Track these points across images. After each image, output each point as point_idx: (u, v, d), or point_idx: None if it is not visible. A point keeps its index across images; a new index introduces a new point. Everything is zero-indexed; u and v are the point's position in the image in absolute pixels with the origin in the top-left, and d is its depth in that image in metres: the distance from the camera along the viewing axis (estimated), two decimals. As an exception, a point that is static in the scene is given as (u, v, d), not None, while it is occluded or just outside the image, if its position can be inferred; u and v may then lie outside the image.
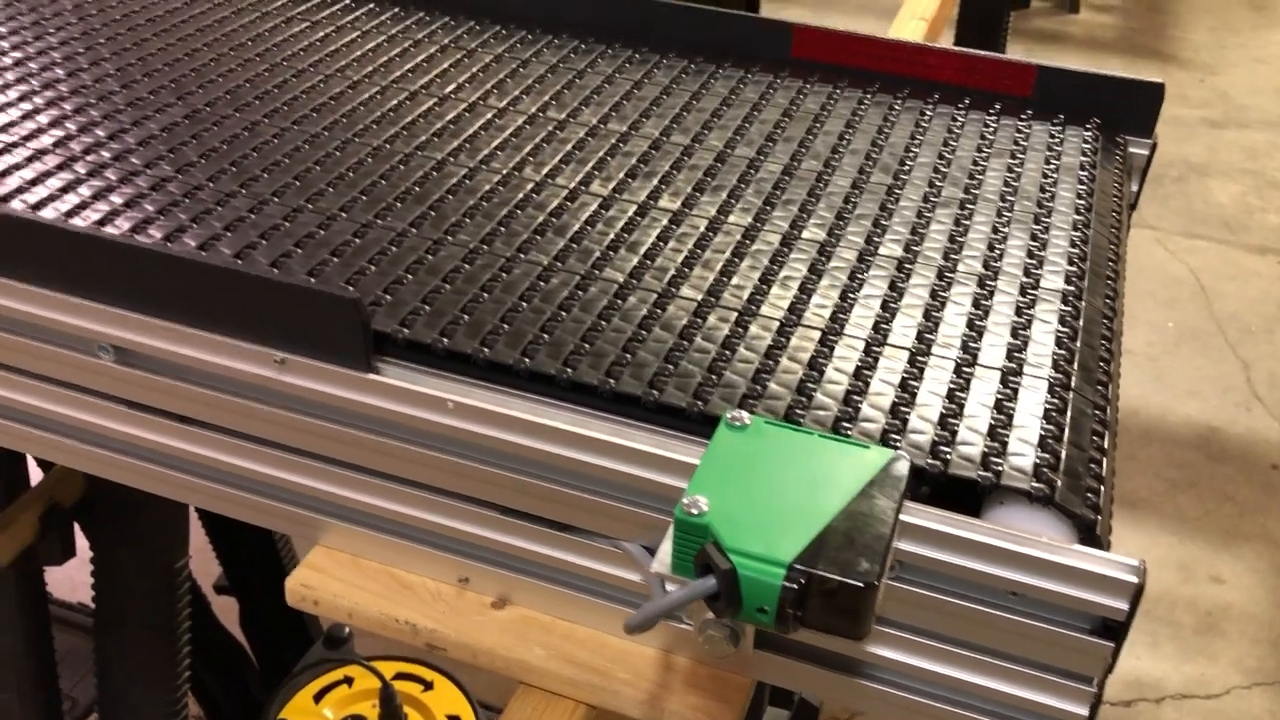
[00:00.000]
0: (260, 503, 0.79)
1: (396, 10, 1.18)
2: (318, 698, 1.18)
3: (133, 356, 0.76)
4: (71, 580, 1.47)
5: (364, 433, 0.73)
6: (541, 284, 0.79)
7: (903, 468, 0.61)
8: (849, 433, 0.68)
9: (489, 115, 1.01)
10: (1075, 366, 0.75)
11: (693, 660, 0.73)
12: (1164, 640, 2.12)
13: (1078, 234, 0.89)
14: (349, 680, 1.18)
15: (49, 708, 1.31)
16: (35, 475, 1.20)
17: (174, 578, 1.26)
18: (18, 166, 0.88)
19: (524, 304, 0.77)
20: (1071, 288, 0.82)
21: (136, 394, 0.78)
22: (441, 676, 1.20)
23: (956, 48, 1.07)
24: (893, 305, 0.79)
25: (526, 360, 0.72)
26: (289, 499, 0.78)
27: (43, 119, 0.95)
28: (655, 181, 0.92)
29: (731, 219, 0.88)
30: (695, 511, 0.57)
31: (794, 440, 0.62)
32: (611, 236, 0.85)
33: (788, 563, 0.55)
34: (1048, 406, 0.71)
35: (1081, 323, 0.79)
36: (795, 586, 0.55)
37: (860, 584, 0.54)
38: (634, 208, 0.89)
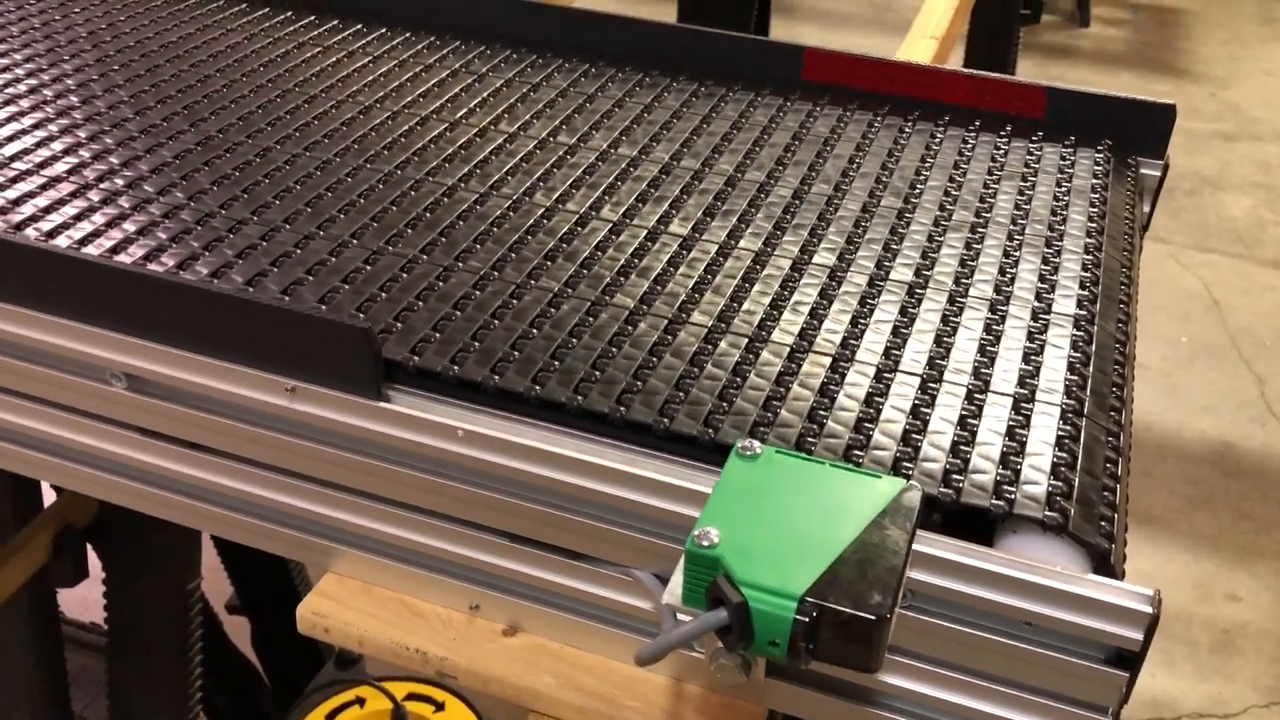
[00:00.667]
0: (271, 529, 0.79)
1: (408, 35, 1.19)
2: (329, 718, 1.18)
3: (145, 384, 0.77)
4: (84, 599, 1.47)
5: (374, 460, 0.73)
6: (552, 311, 0.79)
7: (914, 498, 0.60)
8: (860, 460, 0.68)
9: (500, 140, 1.01)
10: (1088, 392, 0.75)
11: (703, 688, 0.72)
12: (1180, 659, 2.10)
13: (1089, 257, 0.88)
14: (360, 701, 1.19)
15: (61, 729, 1.31)
16: (49, 497, 1.21)
17: (186, 599, 1.27)
18: (31, 194, 0.89)
19: (534, 331, 0.77)
20: (1084, 312, 0.82)
21: (148, 421, 0.78)
22: (453, 697, 1.20)
23: (967, 70, 1.07)
24: (904, 331, 0.79)
25: (537, 388, 0.72)
26: (300, 526, 0.78)
27: (57, 146, 0.96)
28: (665, 206, 0.92)
29: (742, 244, 0.88)
30: (706, 543, 0.57)
31: (805, 470, 0.62)
32: (622, 262, 0.85)
33: (799, 595, 0.55)
34: (1060, 433, 0.71)
35: (1094, 347, 0.79)
36: (807, 619, 0.54)
37: (872, 616, 0.54)
38: (644, 233, 0.89)
